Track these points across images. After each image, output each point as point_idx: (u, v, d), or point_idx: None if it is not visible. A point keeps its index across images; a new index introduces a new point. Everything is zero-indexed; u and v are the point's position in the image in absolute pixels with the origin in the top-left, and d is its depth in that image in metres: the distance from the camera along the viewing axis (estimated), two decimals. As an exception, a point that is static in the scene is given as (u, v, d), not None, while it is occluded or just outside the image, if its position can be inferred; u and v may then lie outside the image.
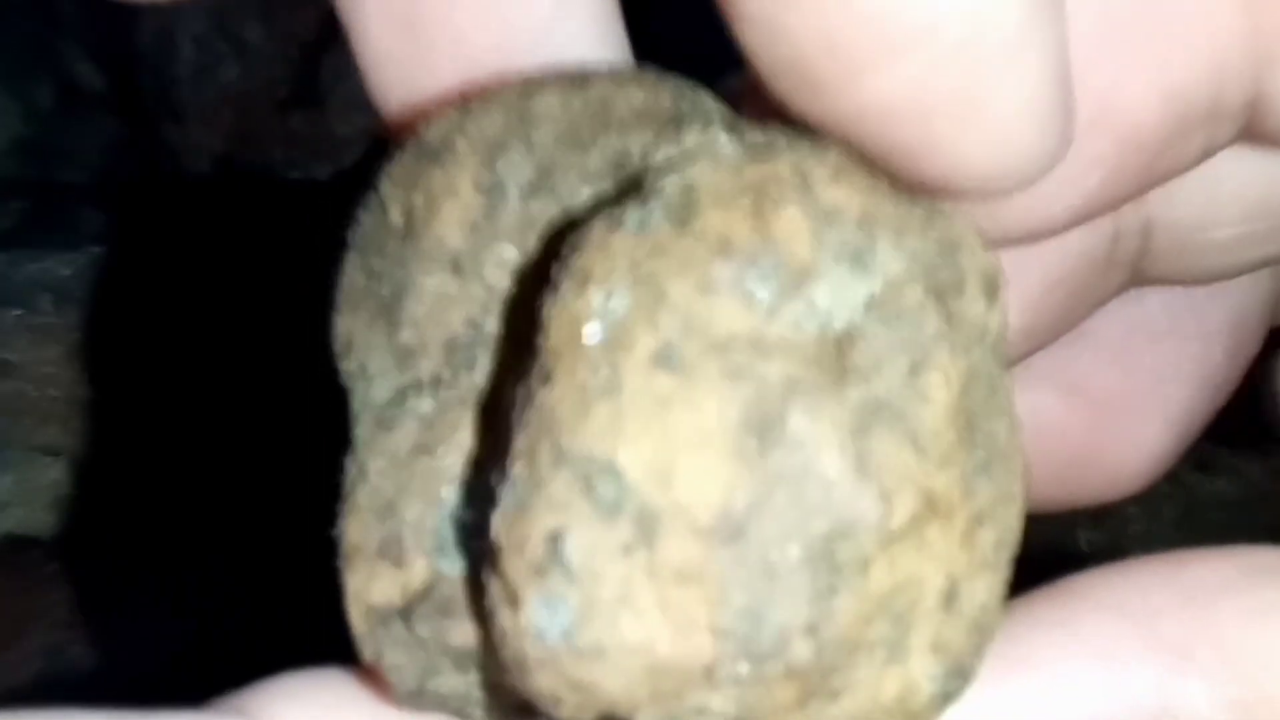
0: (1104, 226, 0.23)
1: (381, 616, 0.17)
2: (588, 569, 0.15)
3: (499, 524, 0.16)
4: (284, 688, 0.18)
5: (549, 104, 0.18)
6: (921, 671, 0.16)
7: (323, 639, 0.19)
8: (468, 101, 0.19)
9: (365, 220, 0.19)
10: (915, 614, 0.16)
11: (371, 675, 0.18)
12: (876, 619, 0.16)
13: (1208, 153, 0.22)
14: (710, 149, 0.17)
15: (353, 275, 0.19)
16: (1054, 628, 0.18)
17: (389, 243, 0.18)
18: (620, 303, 0.16)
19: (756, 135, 0.17)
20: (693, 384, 0.15)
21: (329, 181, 0.56)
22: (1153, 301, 0.25)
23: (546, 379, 0.16)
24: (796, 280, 0.16)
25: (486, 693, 0.17)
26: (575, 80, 0.18)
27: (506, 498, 0.16)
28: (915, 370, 0.16)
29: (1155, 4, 0.21)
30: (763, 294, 0.16)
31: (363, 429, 0.18)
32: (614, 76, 0.19)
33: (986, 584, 0.16)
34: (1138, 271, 0.24)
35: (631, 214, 0.16)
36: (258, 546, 0.51)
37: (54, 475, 0.53)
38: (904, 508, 0.16)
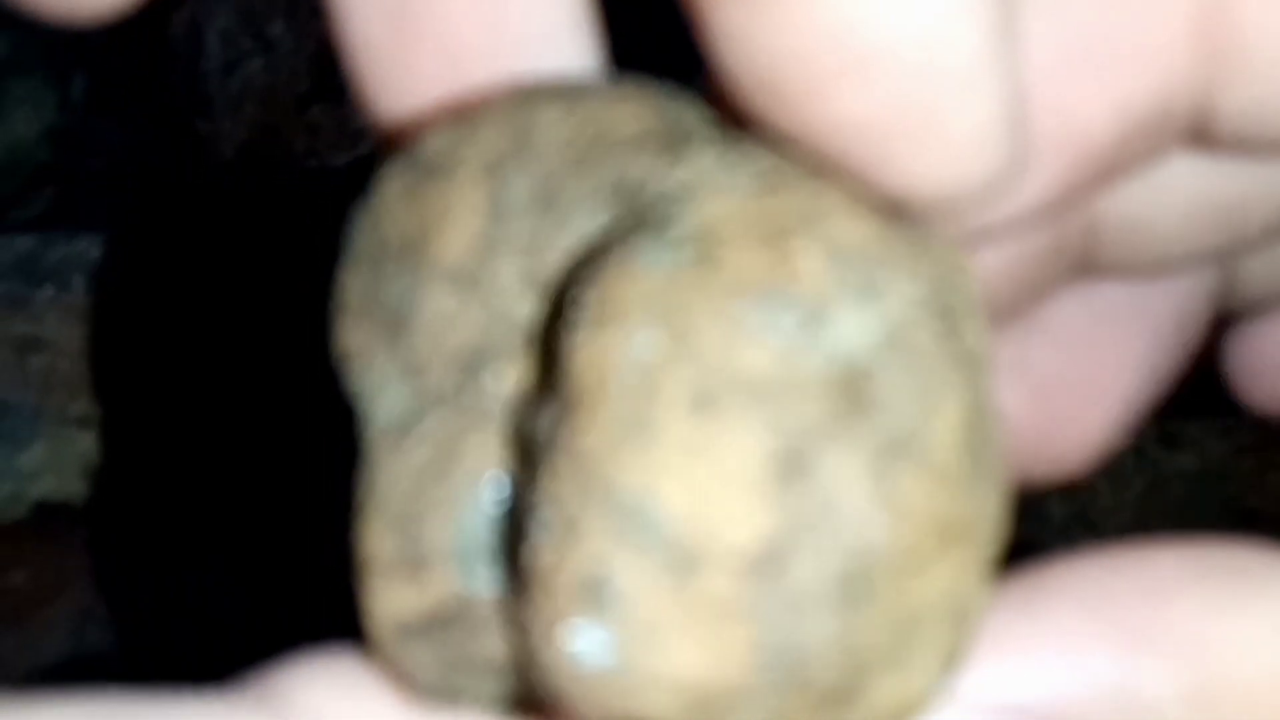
0: (1050, 223, 0.23)
1: (402, 630, 0.17)
2: (629, 605, 0.16)
3: (536, 559, 0.16)
4: (303, 668, 0.18)
5: (547, 122, 0.18)
6: (929, 678, 0.17)
7: (323, 637, 0.19)
8: (460, 114, 0.19)
9: (360, 235, 0.19)
10: (930, 630, 0.17)
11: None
12: (896, 638, 0.16)
13: (1155, 157, 0.23)
14: (716, 176, 0.17)
15: (350, 289, 0.19)
16: (1018, 615, 0.18)
17: (388, 260, 0.18)
18: (649, 343, 0.16)
19: (752, 154, 0.18)
20: (725, 425, 0.16)
21: (345, 170, 0.57)
22: (1102, 292, 0.25)
23: (577, 417, 0.16)
24: (817, 317, 0.16)
25: (513, 701, 0.18)
26: (571, 96, 0.18)
27: (541, 532, 0.16)
28: (930, 403, 0.16)
29: (1107, 24, 0.21)
30: (787, 332, 0.16)
31: (372, 443, 0.18)
32: (608, 93, 0.18)
33: (985, 595, 0.17)
34: (1085, 263, 0.24)
35: (649, 249, 0.16)
36: (258, 546, 0.53)
37: (84, 446, 0.55)
38: (925, 537, 0.16)
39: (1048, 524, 0.49)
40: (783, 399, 0.16)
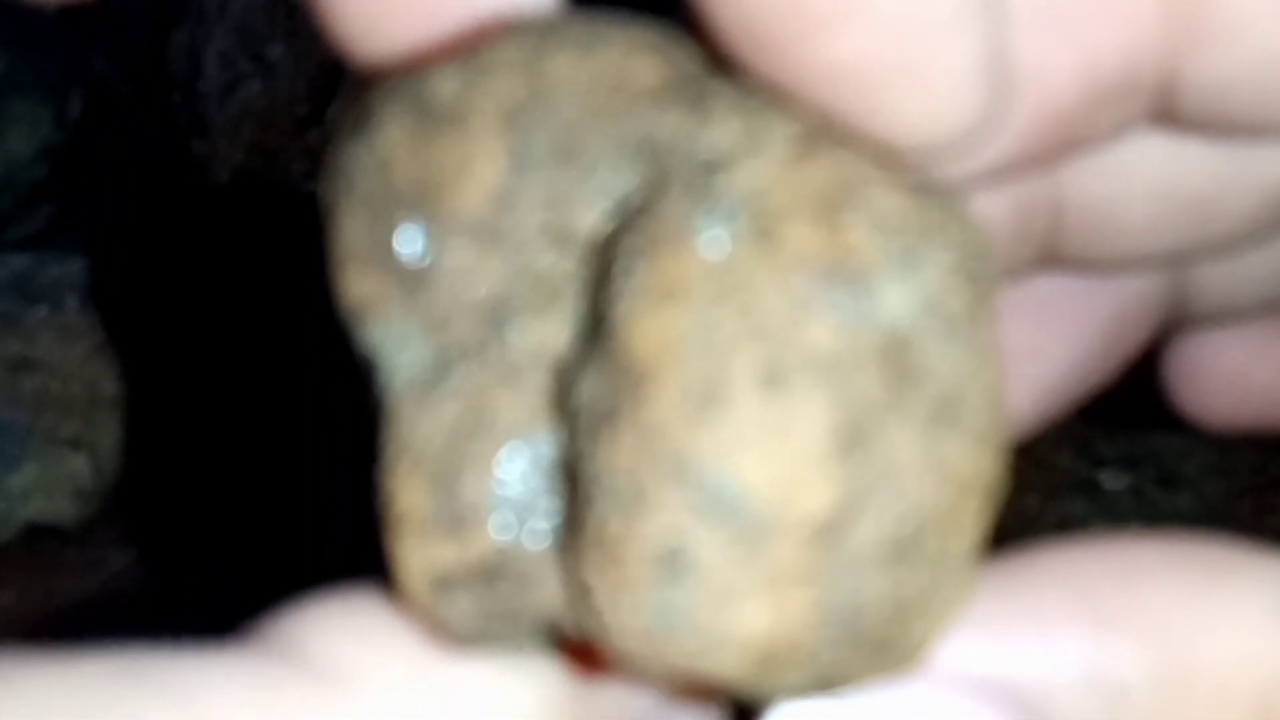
0: (1016, 196, 0.24)
1: (440, 582, 0.18)
2: (703, 574, 0.16)
3: (603, 527, 0.17)
4: (317, 612, 0.18)
5: (562, 70, 0.18)
6: (951, 616, 0.18)
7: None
8: (456, 54, 0.19)
9: (361, 178, 0.18)
10: (955, 575, 0.18)
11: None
12: (933, 586, 0.17)
13: (1121, 128, 0.23)
14: (750, 139, 0.18)
15: (352, 234, 0.18)
16: (997, 596, 0.19)
17: (398, 209, 0.18)
18: (717, 320, 0.17)
19: (767, 108, 0.18)
20: (795, 401, 0.16)
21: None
22: (1038, 280, 0.26)
23: (642, 391, 0.17)
24: (868, 288, 0.17)
25: (551, 644, 0.18)
26: (580, 42, 0.18)
27: (606, 501, 0.17)
28: (967, 368, 0.17)
29: None
30: (844, 307, 0.17)
31: (397, 397, 0.18)
32: (616, 37, 0.18)
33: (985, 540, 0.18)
34: (1051, 250, 0.25)
35: (705, 223, 0.17)
36: (258, 546, 0.52)
37: (75, 467, 0.55)
38: (964, 496, 0.17)
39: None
40: (844, 373, 0.17)
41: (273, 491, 0.52)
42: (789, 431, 0.16)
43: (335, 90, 0.58)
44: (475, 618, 0.18)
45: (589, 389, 0.17)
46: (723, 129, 0.18)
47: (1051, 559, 0.19)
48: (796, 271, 0.17)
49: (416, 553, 0.18)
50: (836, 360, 0.17)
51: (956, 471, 0.17)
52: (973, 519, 0.17)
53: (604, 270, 0.18)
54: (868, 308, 0.17)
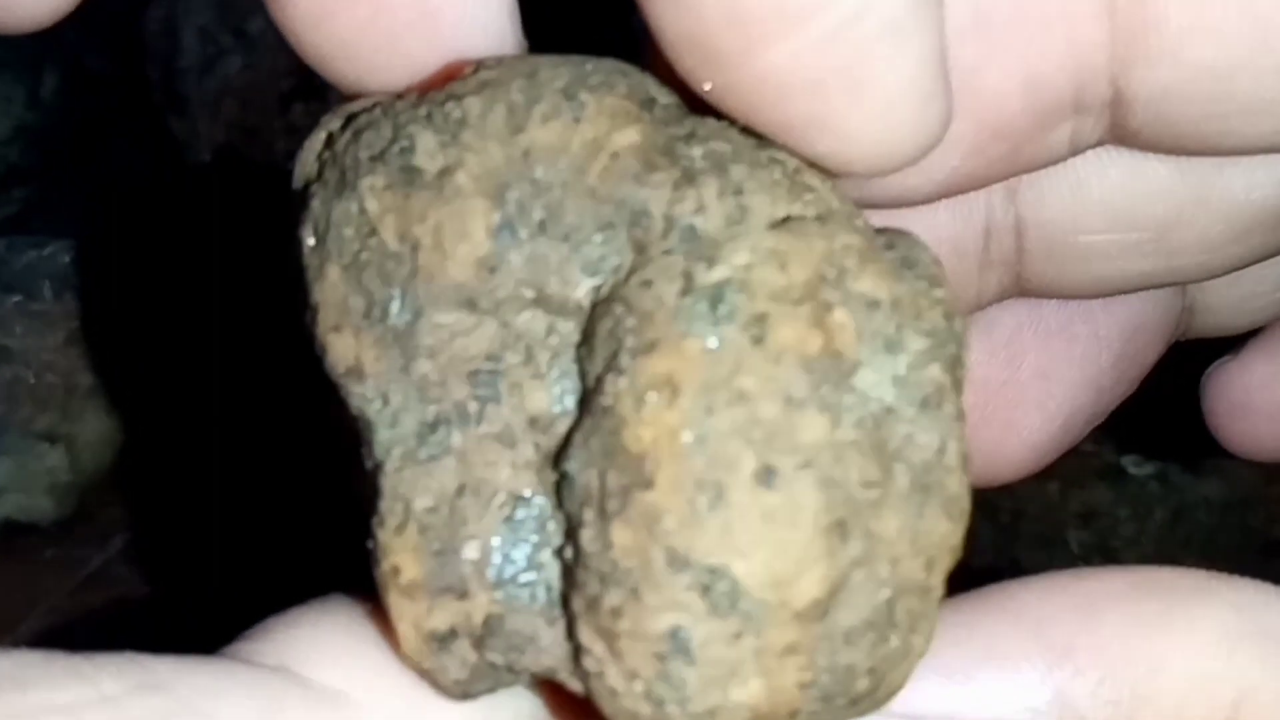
0: (975, 221, 0.25)
1: (437, 640, 0.19)
2: (704, 654, 0.18)
3: (607, 606, 0.18)
4: (316, 632, 0.19)
5: (547, 140, 0.19)
6: (920, 658, 0.19)
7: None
8: (428, 96, 0.20)
9: (345, 244, 0.19)
10: (925, 625, 0.19)
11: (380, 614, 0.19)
12: (907, 640, 0.19)
13: (1076, 146, 0.24)
14: (736, 225, 0.18)
15: (343, 291, 0.19)
16: (959, 635, 0.20)
17: (393, 269, 0.19)
18: (713, 420, 0.18)
19: (742, 167, 0.19)
20: (789, 497, 0.18)
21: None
22: (1047, 303, 0.27)
23: (644, 485, 0.18)
24: (851, 378, 0.18)
25: (539, 688, 0.20)
26: (564, 105, 0.19)
27: (609, 581, 0.18)
28: (941, 439, 0.19)
29: (1020, 2, 0.22)
30: (831, 400, 0.18)
31: (393, 460, 0.19)
32: (601, 106, 0.19)
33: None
34: (1018, 277, 0.26)
35: (703, 323, 0.18)
36: (257, 545, 0.51)
37: (51, 461, 0.54)
38: (938, 561, 0.19)
39: (1065, 553, 0.47)
40: (832, 463, 0.18)
41: (257, 488, 0.51)
42: (782, 524, 0.18)
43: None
44: (470, 671, 0.19)
45: (586, 471, 0.18)
46: (707, 211, 0.19)
47: (1008, 595, 0.20)
48: (784, 367, 0.18)
49: (413, 613, 0.19)
50: (824, 452, 0.18)
51: (930, 540, 0.18)
52: (939, 579, 0.19)
53: (593, 346, 0.18)
54: (851, 397, 0.18)
